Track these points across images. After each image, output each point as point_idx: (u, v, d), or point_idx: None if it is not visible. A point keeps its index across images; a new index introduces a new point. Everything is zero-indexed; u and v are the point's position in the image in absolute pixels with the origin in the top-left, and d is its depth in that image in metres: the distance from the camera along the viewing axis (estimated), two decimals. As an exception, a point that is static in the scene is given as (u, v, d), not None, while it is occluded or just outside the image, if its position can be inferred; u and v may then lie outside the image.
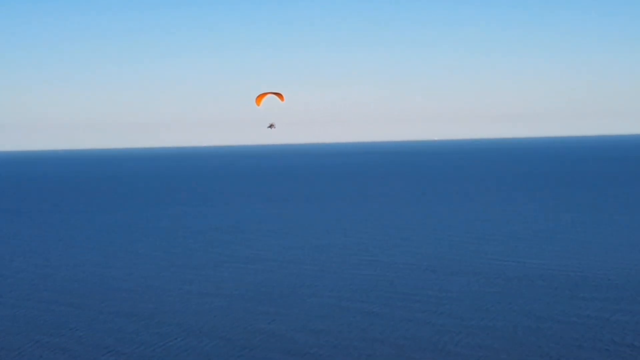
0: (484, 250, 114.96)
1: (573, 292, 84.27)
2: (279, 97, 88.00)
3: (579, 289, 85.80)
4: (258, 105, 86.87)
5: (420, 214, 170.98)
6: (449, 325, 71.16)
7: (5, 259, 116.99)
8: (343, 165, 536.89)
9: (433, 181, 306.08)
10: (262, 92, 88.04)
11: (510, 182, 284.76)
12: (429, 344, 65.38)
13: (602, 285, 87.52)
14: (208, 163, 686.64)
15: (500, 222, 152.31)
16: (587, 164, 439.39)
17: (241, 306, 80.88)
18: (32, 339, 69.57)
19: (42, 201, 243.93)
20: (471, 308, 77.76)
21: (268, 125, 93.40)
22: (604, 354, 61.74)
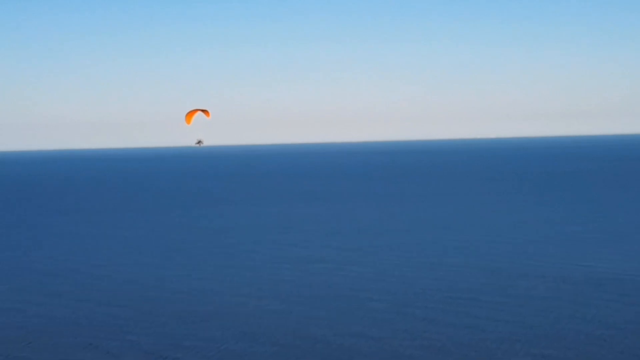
0: (547, 252, 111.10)
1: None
2: (205, 114, 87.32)
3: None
4: (188, 123, 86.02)
5: (470, 214, 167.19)
6: (513, 332, 67.93)
7: (61, 259, 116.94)
8: (367, 164, 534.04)
9: (463, 180, 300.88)
10: (190, 109, 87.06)
11: (545, 181, 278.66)
12: (492, 352, 62.29)
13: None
14: (236, 162, 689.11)
15: (557, 222, 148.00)
16: (620, 163, 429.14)
17: (297, 310, 78.75)
18: (85, 342, 68.33)
19: (92, 200, 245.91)
20: (536, 314, 74.35)
21: (196, 141, 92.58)
22: (682, 367, 58.02)
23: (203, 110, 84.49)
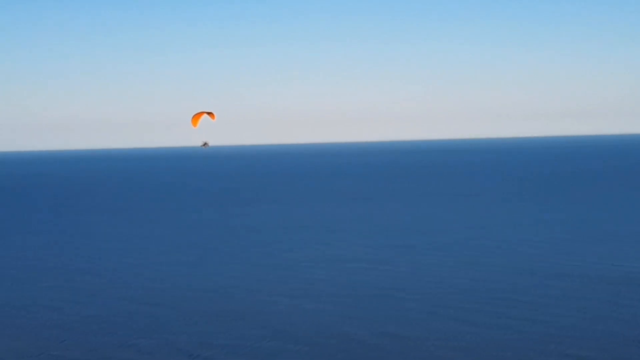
0: (582, 252, 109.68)
1: (685, 299, 78.88)
2: (211, 117, 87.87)
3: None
4: (195, 126, 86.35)
5: (503, 213, 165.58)
6: (549, 333, 67.07)
7: (97, 258, 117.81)
8: (387, 164, 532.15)
9: (487, 180, 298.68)
10: (196, 112, 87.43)
11: (566, 181, 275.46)
12: (527, 353, 61.52)
13: None
14: (254, 162, 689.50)
15: (590, 221, 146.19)
16: (630, 162, 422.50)
17: (331, 309, 78.43)
18: (120, 340, 68.69)
19: (125, 199, 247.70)
20: (572, 314, 73.36)
21: (202, 143, 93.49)
22: None
23: (209, 113, 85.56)
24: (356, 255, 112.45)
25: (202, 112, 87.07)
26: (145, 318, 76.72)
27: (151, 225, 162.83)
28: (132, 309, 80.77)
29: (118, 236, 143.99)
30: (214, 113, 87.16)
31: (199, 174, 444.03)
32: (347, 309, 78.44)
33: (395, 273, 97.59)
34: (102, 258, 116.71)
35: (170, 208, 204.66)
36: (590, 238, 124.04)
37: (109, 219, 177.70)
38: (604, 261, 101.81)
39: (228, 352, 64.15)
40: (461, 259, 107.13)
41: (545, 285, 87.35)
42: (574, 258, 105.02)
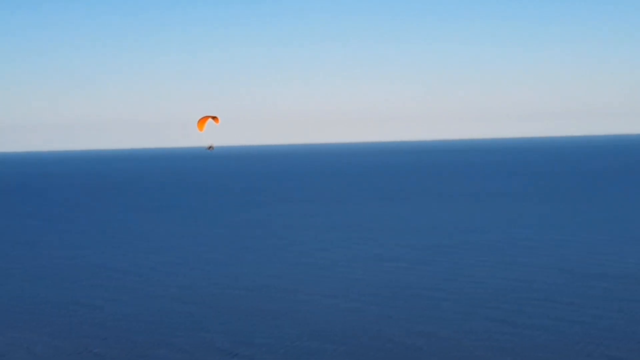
0: (621, 252, 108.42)
1: None
2: (215, 121, 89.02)
3: None
4: (201, 130, 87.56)
5: (539, 213, 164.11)
6: (588, 333, 66.35)
7: (136, 257, 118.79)
8: (415, 163, 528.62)
9: (515, 179, 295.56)
10: (201, 117, 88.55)
11: (596, 180, 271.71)
12: (566, 354, 60.95)
13: None
14: (286, 161, 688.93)
15: (630, 221, 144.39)
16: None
17: (369, 309, 78.33)
18: (159, 339, 69.19)
19: (164, 198, 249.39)
20: (612, 315, 72.51)
21: (208, 147, 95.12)
22: None
23: (213, 117, 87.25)
24: (393, 255, 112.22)
25: (207, 117, 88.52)
26: (184, 316, 77.20)
27: (187, 224, 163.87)
28: (170, 307, 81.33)
29: (155, 235, 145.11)
30: (218, 117, 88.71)
31: (222, 173, 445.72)
32: (384, 308, 78.29)
33: (432, 273, 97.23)
34: (140, 256, 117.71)
35: (205, 207, 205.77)
36: (628, 238, 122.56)
37: (146, 218, 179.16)
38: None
39: (266, 351, 64.33)
40: (499, 258, 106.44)
41: (584, 286, 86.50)
42: (613, 258, 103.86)
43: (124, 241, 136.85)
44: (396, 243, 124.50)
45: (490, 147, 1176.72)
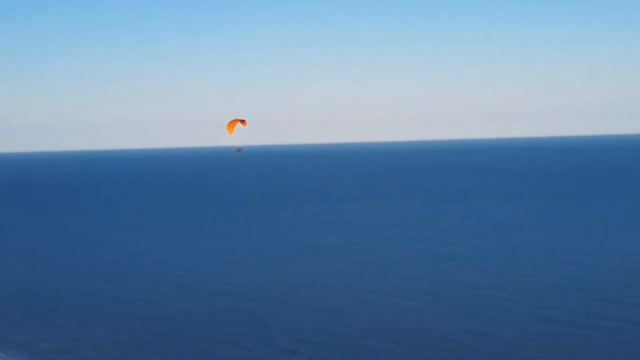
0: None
1: None
2: (243, 124, 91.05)
3: None
4: (231, 134, 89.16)
5: (601, 212, 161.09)
6: (655, 337, 65.07)
7: (198, 255, 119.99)
8: (465, 162, 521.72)
9: (570, 178, 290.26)
10: (230, 120, 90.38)
11: (624, 179, 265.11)
12: (633, 357, 59.88)
13: None
14: (330, 160, 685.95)
15: None
16: None
17: (429, 308, 77.98)
18: (220, 336, 69.94)
19: (224, 197, 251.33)
20: (680, 318, 70.97)
21: (236, 149, 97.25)
22: None
23: (241, 121, 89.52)
24: (452, 254, 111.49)
25: (236, 120, 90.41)
26: (245, 314, 77.83)
27: (248, 222, 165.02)
28: (232, 305, 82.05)
29: (216, 232, 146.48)
30: (246, 120, 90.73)
31: (274, 172, 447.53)
32: (444, 308, 77.88)
33: (492, 272, 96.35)
34: (202, 254, 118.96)
35: (259, 205, 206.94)
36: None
37: (205, 216, 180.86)
38: None
39: (326, 349, 64.55)
40: (561, 258, 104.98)
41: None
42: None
43: (187, 239, 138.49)
44: (455, 242, 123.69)
45: (510, 145, 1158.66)
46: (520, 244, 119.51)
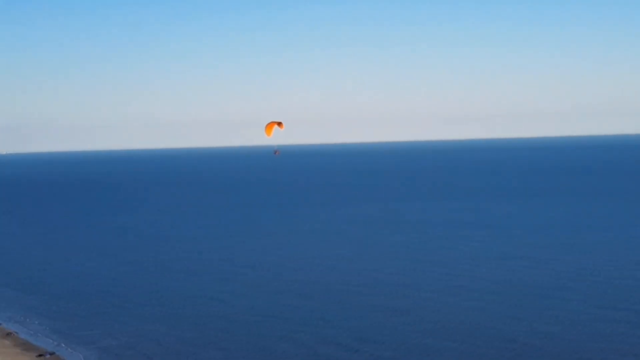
0: None
1: None
2: (280, 126, 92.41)
3: None
4: (269, 136, 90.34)
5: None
6: None
7: (261, 252, 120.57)
8: (531, 161, 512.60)
9: (622, 177, 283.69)
10: (268, 122, 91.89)
11: None
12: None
13: None
14: (376, 159, 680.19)
15: None
16: None
17: (492, 308, 77.11)
18: (281, 333, 70.27)
19: (283, 195, 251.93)
20: None
21: (274, 151, 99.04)
22: None
23: (278, 123, 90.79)
24: (517, 253, 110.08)
25: (274, 122, 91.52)
26: (307, 312, 78.02)
27: (307, 220, 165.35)
28: (294, 303, 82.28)
29: (277, 230, 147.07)
30: (283, 123, 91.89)
31: (328, 170, 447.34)
32: (507, 307, 76.96)
33: (560, 272, 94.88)
34: (265, 252, 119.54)
35: (320, 203, 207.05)
36: None
37: (268, 214, 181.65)
38: None
39: (388, 347, 64.36)
40: (626, 258, 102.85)
41: None
42: None
43: (250, 236, 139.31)
44: (520, 241, 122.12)
45: (545, 144, 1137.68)
46: (584, 243, 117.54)
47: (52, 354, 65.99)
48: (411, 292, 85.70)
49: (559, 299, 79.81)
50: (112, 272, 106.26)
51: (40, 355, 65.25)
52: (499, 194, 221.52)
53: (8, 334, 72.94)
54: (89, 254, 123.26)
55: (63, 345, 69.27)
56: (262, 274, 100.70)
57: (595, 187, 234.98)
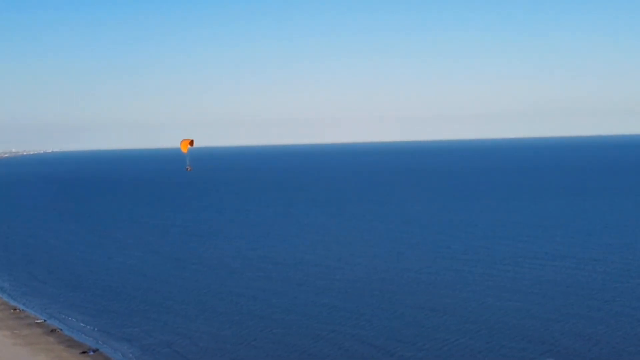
0: None
1: None
2: (190, 144, 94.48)
3: None
4: (185, 151, 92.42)
5: None
6: None
7: (303, 251, 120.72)
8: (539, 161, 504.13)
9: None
10: (183, 139, 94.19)
11: None
12: None
13: None
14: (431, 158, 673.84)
15: None
16: None
17: (535, 308, 75.88)
18: (329, 328, 70.21)
19: (321, 192, 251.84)
20: None
21: (187, 167, 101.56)
22: None
23: (190, 141, 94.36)
24: (561, 253, 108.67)
25: (187, 140, 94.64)
26: (346, 311, 77.32)
27: (348, 218, 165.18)
28: (332, 302, 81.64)
29: (317, 228, 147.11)
30: (193, 140, 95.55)
31: (372, 169, 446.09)
32: (550, 309, 75.53)
33: (601, 272, 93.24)
34: (305, 250, 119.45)
35: (355, 200, 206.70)
36: None
37: (308, 212, 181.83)
38: None
39: (427, 352, 63.89)
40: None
41: None
42: None
43: (290, 234, 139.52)
44: (565, 241, 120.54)
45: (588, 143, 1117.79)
46: (630, 243, 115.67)
47: (95, 350, 66.75)
48: (453, 292, 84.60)
49: (602, 301, 78.25)
50: (154, 269, 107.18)
51: (83, 352, 66.01)
52: (544, 193, 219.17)
53: (53, 331, 74.07)
54: (132, 251, 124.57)
55: (105, 342, 70.02)
56: (301, 272, 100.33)
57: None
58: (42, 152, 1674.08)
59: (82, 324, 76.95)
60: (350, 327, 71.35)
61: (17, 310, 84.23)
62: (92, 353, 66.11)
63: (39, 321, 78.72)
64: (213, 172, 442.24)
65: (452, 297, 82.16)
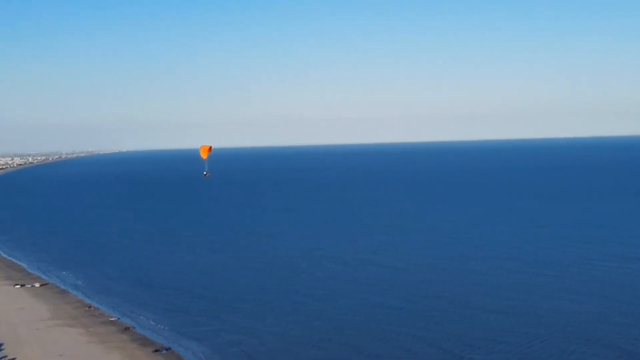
0: None
1: None
2: (209, 150, 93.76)
3: None
4: (204, 158, 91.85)
5: None
6: None
7: (371, 252, 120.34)
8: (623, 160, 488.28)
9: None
10: (202, 145, 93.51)
11: None
12: None
13: None
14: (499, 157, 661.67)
15: None
16: None
17: (607, 312, 74.63)
18: (397, 330, 69.93)
19: (386, 191, 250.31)
20: None
21: (204, 173, 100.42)
22: None
23: (209, 147, 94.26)
24: (636, 255, 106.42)
25: (207, 146, 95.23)
26: (412, 313, 76.95)
27: (414, 218, 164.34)
28: (399, 304, 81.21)
29: (384, 228, 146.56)
30: (211, 146, 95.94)
31: (437, 168, 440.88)
32: (623, 313, 74.17)
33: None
34: (373, 250, 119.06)
35: (413, 201, 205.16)
36: None
37: (374, 212, 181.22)
38: None
39: (514, 348, 63.03)
40: None
41: None
42: None
43: (358, 234, 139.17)
44: (636, 242, 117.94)
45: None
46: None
47: (167, 349, 67.53)
48: (522, 295, 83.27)
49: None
50: (222, 268, 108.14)
51: (156, 351, 66.76)
52: (611, 193, 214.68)
53: (126, 329, 75.25)
54: (200, 250, 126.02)
55: (176, 341, 70.85)
56: (370, 273, 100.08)
57: None
58: (117, 151, 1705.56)
59: (153, 322, 78.08)
60: (417, 330, 70.90)
61: (92, 308, 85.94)
62: (164, 352, 66.80)
63: (112, 319, 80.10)
64: (264, 172, 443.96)
65: (522, 300, 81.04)
